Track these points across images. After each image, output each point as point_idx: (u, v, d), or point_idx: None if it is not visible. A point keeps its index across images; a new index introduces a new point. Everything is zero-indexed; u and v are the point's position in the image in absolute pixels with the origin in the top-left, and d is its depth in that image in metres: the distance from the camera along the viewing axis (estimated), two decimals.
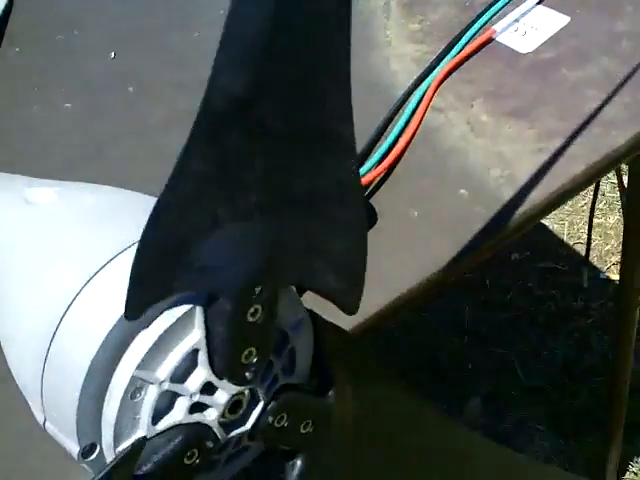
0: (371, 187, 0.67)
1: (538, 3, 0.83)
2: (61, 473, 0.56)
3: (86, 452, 0.42)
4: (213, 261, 0.40)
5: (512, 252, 1.66)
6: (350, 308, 0.47)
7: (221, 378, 0.43)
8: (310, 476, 0.49)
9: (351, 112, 0.40)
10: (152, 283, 0.40)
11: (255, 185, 0.39)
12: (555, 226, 1.72)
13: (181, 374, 0.43)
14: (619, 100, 0.74)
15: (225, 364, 0.43)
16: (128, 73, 0.82)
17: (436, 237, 0.65)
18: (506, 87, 0.76)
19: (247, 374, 0.44)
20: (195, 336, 0.42)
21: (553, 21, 0.81)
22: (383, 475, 0.54)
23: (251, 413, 0.46)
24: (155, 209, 0.38)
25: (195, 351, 0.42)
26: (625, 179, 1.00)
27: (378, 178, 0.67)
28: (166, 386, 0.42)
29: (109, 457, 0.43)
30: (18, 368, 0.47)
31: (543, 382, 1.49)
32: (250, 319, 0.42)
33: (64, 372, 0.42)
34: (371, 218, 0.64)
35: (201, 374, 0.43)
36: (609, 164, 0.71)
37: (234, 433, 0.46)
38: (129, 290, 0.39)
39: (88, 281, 0.44)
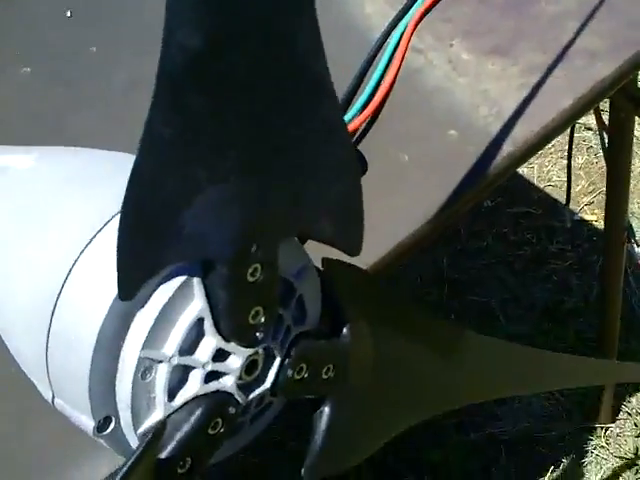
0: (358, 133, 0.65)
1: None
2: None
3: (101, 426, 0.41)
4: (199, 227, 0.38)
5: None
6: (352, 250, 0.45)
7: (231, 342, 0.42)
8: (339, 420, 0.48)
9: (322, 46, 0.38)
10: (140, 258, 0.38)
11: (229, 144, 0.38)
12: (525, 170, 1.71)
13: (189, 346, 0.42)
14: (598, 30, 0.72)
15: (233, 328, 0.42)
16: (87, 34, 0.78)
17: (429, 180, 0.63)
18: (484, 24, 0.74)
19: (257, 334, 0.43)
20: (197, 305, 0.41)
21: None
22: (407, 401, 0.53)
23: (269, 370, 0.45)
24: (131, 179, 0.36)
25: (200, 320, 0.41)
26: (605, 118, 0.98)
27: (364, 124, 0.65)
28: (176, 361, 0.41)
29: (129, 436, 0.42)
30: (18, 347, 0.45)
31: (527, 327, 1.49)
32: (250, 279, 0.41)
33: (70, 347, 0.40)
34: (361, 165, 0.62)
35: (210, 342, 0.42)
36: (596, 96, 0.70)
37: (255, 394, 0.45)
38: (118, 269, 0.37)
39: (82, 251, 0.42)
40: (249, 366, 0.44)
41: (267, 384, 0.45)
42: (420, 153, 0.64)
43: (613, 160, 1.01)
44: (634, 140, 1.02)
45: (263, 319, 0.42)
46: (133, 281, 0.38)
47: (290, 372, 0.45)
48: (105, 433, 0.41)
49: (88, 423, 0.41)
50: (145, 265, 0.38)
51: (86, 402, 0.41)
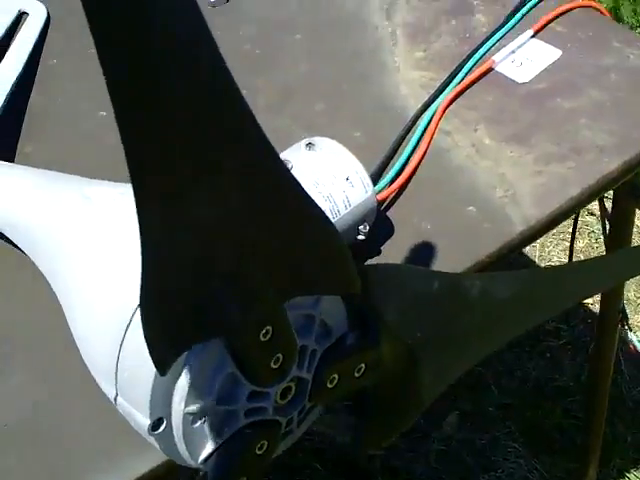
0: (387, 202, 0.72)
1: (532, 36, 0.89)
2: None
3: (155, 426, 0.47)
4: (214, 313, 0.42)
5: None
6: (350, 289, 0.47)
7: (261, 386, 0.47)
8: (381, 398, 0.51)
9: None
10: (166, 343, 0.42)
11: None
12: (528, 248, 1.78)
13: (226, 395, 0.46)
14: (607, 127, 0.80)
15: (258, 377, 0.46)
16: None
17: (448, 249, 0.70)
18: (506, 114, 0.81)
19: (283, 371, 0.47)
20: (225, 364, 0.45)
21: (546, 54, 0.88)
22: (445, 357, 0.55)
23: (304, 389, 0.49)
24: (142, 279, 0.39)
25: (231, 374, 0.46)
26: (608, 205, 1.04)
27: (394, 193, 0.72)
28: (215, 409, 0.46)
29: (178, 439, 0.47)
30: (89, 351, 0.51)
31: (517, 400, 1.54)
32: (264, 339, 0.44)
33: (141, 357, 0.45)
34: (389, 230, 0.69)
35: (243, 389, 0.47)
36: (602, 188, 0.77)
37: (294, 412, 0.49)
38: (150, 351, 0.42)
39: None
40: (283, 392, 0.48)
41: (304, 401, 0.49)
42: (442, 224, 0.71)
43: (613, 247, 1.05)
44: (634, 230, 1.08)
45: (285, 360, 0.46)
46: (163, 362, 0.43)
47: (323, 386, 0.48)
48: (157, 432, 0.47)
49: (144, 422, 0.46)
50: (171, 349, 0.43)
51: (146, 404, 0.46)
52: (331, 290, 0.48)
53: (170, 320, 0.42)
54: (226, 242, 0.40)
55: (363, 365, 0.49)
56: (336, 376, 0.49)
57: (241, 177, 0.39)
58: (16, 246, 0.66)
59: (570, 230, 1.77)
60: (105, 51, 0.32)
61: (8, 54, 0.90)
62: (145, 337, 0.41)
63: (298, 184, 0.41)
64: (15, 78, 0.87)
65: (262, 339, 0.44)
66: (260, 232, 0.41)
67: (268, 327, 0.44)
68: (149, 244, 0.38)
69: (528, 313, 0.60)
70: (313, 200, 0.43)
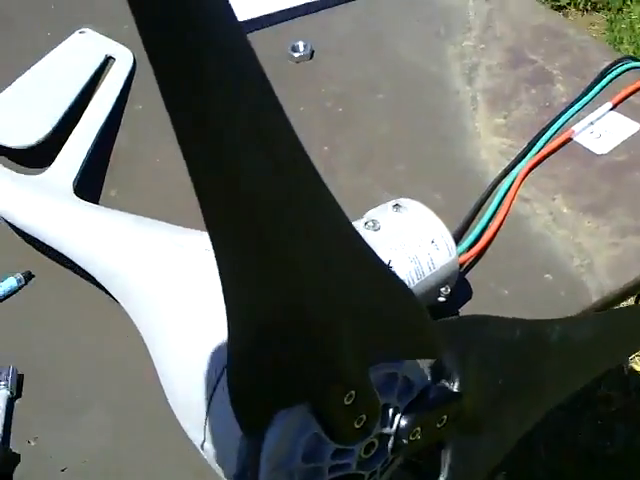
0: (465, 266, 0.73)
1: (611, 109, 0.90)
2: None
3: (241, 476, 0.48)
4: (298, 381, 0.44)
5: None
6: (434, 354, 0.49)
7: (345, 444, 0.48)
8: (462, 447, 0.51)
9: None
10: (253, 413, 0.44)
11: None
12: None
13: (311, 453, 0.47)
14: None
15: (343, 437, 0.47)
16: None
17: (524, 315, 0.71)
18: (584, 184, 0.83)
19: (366, 429, 0.48)
20: (310, 425, 0.46)
21: (625, 127, 0.89)
22: (524, 403, 0.56)
23: (386, 443, 0.50)
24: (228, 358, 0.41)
25: (316, 434, 0.47)
26: None
27: (473, 257, 0.74)
28: (301, 467, 0.47)
29: None
30: (177, 401, 0.53)
31: (566, 466, 1.53)
32: (347, 402, 0.45)
33: (230, 414, 0.46)
34: (467, 293, 0.71)
35: (328, 448, 0.48)
36: None
37: (377, 465, 0.50)
38: (236, 416, 0.43)
39: None
40: (367, 447, 0.49)
41: (387, 454, 0.50)
42: (518, 290, 0.73)
43: None
44: None
45: (368, 420, 0.47)
46: (249, 426, 0.44)
47: (405, 440, 0.49)
48: None
49: (230, 469, 0.48)
50: (256, 415, 0.44)
51: (233, 453, 0.47)
52: (414, 355, 0.49)
53: (256, 386, 0.43)
54: (313, 310, 0.41)
55: (445, 416, 0.50)
56: (418, 429, 0.50)
57: (321, 251, 0.40)
58: (97, 283, 0.68)
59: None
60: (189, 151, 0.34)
61: (95, 98, 0.94)
62: (231, 401, 0.42)
63: (380, 260, 0.43)
64: (102, 122, 0.90)
65: (346, 403, 0.45)
66: (345, 301, 0.42)
67: (352, 392, 0.45)
68: (235, 312, 0.39)
69: (607, 354, 0.61)
70: (395, 273, 0.45)
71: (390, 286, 0.44)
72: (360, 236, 0.41)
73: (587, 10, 2.61)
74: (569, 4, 2.60)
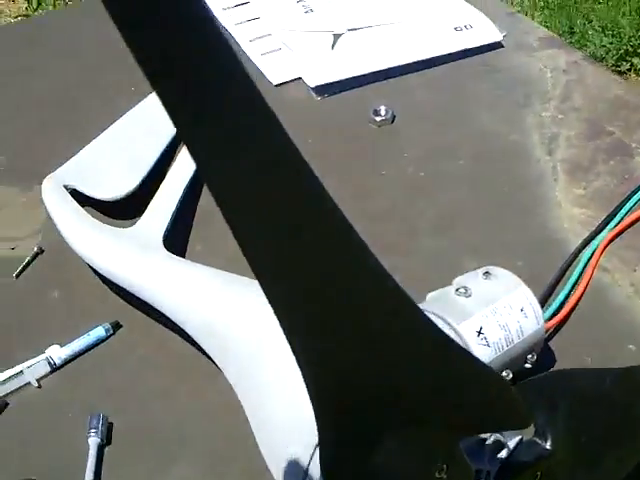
0: (548, 334, 0.74)
1: None
2: None
3: None
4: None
5: None
6: (522, 425, 0.48)
7: None
8: None
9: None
10: None
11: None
12: None
13: None
14: None
15: None
16: None
17: None
18: None
19: None
20: None
21: None
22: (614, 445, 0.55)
23: None
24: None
25: None
26: None
27: (556, 325, 0.75)
28: None
29: None
30: (279, 465, 0.54)
31: None
32: (439, 476, 0.46)
33: None
34: (551, 360, 0.72)
35: None
36: None
37: None
38: None
39: None
40: None
41: None
42: (601, 359, 0.73)
43: None
44: None
45: None
46: None
47: None
48: None
49: None
50: None
51: None
52: (503, 427, 0.50)
53: (347, 471, 0.44)
54: (405, 392, 0.42)
55: (539, 473, 0.51)
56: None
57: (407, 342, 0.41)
58: (186, 335, 0.70)
59: None
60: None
61: (179, 156, 0.96)
62: None
63: (465, 350, 0.45)
64: (188, 180, 0.92)
65: (438, 476, 0.46)
66: (435, 385, 0.43)
67: (443, 466, 0.46)
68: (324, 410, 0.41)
69: None
70: (477, 357, 0.46)
71: (477, 369, 0.45)
72: (452, 340, 0.43)
73: None
74: (629, 70, 2.61)
